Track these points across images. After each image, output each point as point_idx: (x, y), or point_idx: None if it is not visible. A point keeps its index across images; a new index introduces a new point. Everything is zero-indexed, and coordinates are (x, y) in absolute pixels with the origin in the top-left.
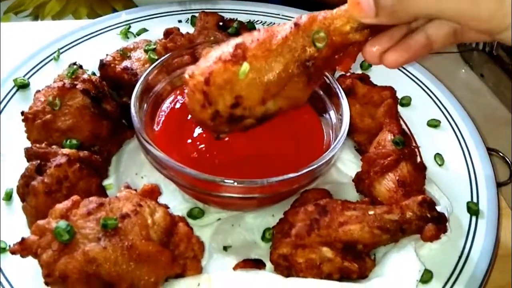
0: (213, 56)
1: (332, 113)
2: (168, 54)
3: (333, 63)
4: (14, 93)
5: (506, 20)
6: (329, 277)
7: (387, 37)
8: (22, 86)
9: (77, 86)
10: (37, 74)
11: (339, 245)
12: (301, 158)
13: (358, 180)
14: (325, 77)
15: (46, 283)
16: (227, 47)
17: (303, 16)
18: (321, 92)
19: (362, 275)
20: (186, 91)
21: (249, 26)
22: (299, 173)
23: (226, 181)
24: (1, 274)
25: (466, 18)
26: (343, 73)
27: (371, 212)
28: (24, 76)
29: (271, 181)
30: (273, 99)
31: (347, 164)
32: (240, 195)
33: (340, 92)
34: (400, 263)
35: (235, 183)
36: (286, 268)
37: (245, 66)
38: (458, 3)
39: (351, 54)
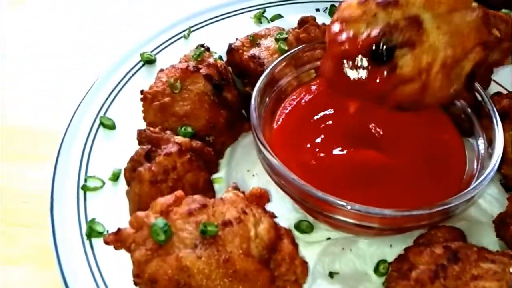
0: None
1: (480, 137)
2: (298, 47)
3: None
4: (140, 68)
5: None
6: None
7: None
8: (149, 61)
9: (201, 71)
10: (165, 50)
11: None
12: (435, 187)
13: (501, 222)
14: (476, 93)
15: (135, 283)
16: None
17: None
18: (469, 110)
19: None
20: None
21: None
22: (432, 210)
23: (339, 203)
24: (94, 259)
25: None
26: (498, 91)
27: None
28: (151, 52)
29: (396, 214)
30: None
31: (489, 201)
32: (355, 222)
33: (494, 114)
34: None
35: (350, 208)
36: None
37: None
38: None
39: None
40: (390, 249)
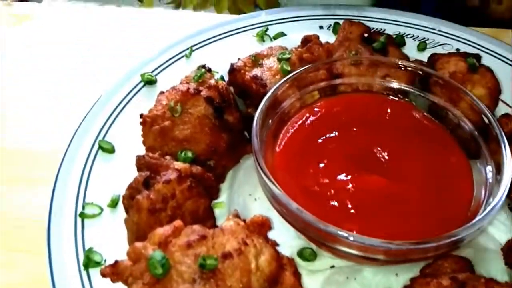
0: None
1: (487, 162)
2: (302, 68)
3: None
4: (140, 89)
5: None
6: None
7: None
8: (149, 82)
9: (202, 93)
10: (166, 70)
11: None
12: (442, 213)
13: (509, 250)
14: (483, 116)
15: None
16: None
17: None
18: (476, 133)
19: None
20: None
21: (398, 40)
22: (439, 242)
23: (342, 234)
24: None
25: None
26: (506, 113)
27: None
28: (152, 72)
29: (402, 247)
30: None
31: (497, 226)
32: (359, 253)
33: (502, 139)
34: None
35: (353, 239)
36: None
37: None
38: None
39: None
40: (396, 278)
